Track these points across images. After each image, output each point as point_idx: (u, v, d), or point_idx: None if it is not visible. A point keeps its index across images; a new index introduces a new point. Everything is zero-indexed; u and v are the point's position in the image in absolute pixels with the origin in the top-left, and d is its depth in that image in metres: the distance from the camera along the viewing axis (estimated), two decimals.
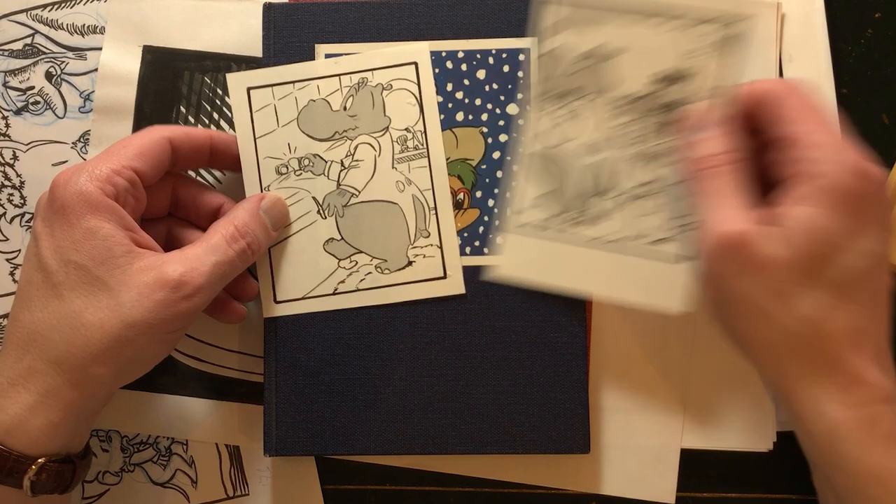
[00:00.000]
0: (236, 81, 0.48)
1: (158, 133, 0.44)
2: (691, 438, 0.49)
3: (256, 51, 0.50)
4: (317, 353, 0.48)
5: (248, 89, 0.48)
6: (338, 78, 0.48)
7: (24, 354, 0.40)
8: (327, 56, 0.49)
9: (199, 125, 0.51)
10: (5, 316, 0.52)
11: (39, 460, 0.39)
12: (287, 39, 0.49)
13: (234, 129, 0.51)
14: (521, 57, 0.48)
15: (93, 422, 0.44)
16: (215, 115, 0.51)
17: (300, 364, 0.48)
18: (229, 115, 0.51)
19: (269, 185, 0.48)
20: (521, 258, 0.45)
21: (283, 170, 0.48)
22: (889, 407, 0.37)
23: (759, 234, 0.38)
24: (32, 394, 0.39)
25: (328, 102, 0.48)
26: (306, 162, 0.48)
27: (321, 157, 0.48)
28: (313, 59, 0.49)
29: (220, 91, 0.51)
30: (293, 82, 0.48)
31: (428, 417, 0.48)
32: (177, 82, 0.52)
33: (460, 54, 0.48)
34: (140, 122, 0.51)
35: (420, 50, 0.48)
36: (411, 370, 0.48)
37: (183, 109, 0.51)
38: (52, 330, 0.40)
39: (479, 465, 0.50)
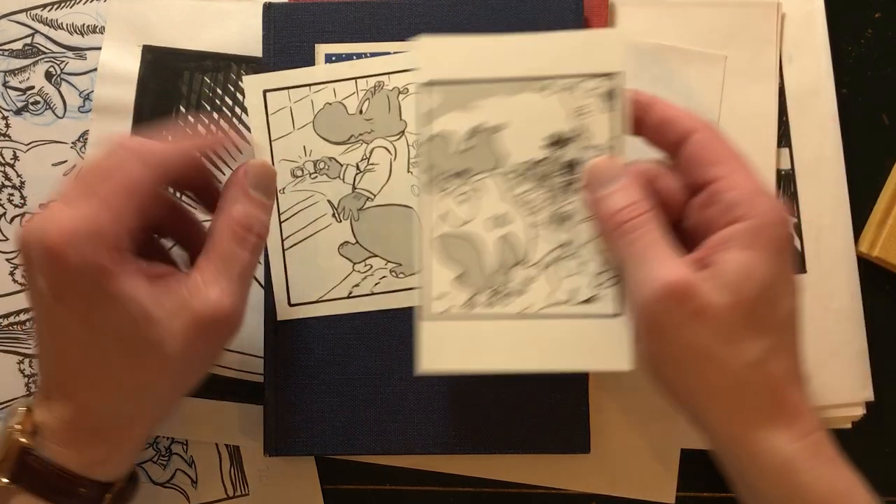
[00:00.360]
0: (252, 84, 0.48)
1: (152, 177, 0.39)
2: (691, 438, 0.49)
3: (256, 51, 0.50)
4: (317, 353, 0.48)
5: (265, 92, 0.48)
6: (354, 81, 0.48)
7: (83, 413, 0.39)
8: (328, 56, 0.49)
9: (199, 125, 0.51)
10: (6, 316, 0.52)
11: (115, 486, 0.40)
12: (287, 39, 0.49)
13: (234, 129, 0.51)
14: None
15: None
16: (215, 115, 0.51)
17: (300, 364, 0.48)
18: (229, 114, 0.51)
19: (284, 188, 0.48)
20: (448, 346, 0.42)
21: (299, 172, 0.48)
22: (824, 432, 0.39)
23: (701, 280, 0.37)
24: (104, 441, 0.39)
25: (344, 106, 0.48)
26: (322, 165, 0.48)
27: (336, 161, 0.48)
28: (314, 58, 0.49)
29: (219, 91, 0.51)
30: (309, 85, 0.48)
31: (428, 417, 0.48)
32: (177, 82, 0.52)
33: None
34: (139, 121, 0.51)
35: None
36: (411, 370, 0.48)
37: (183, 109, 0.51)
38: (107, 400, 0.39)
39: (479, 465, 0.50)
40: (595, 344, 0.41)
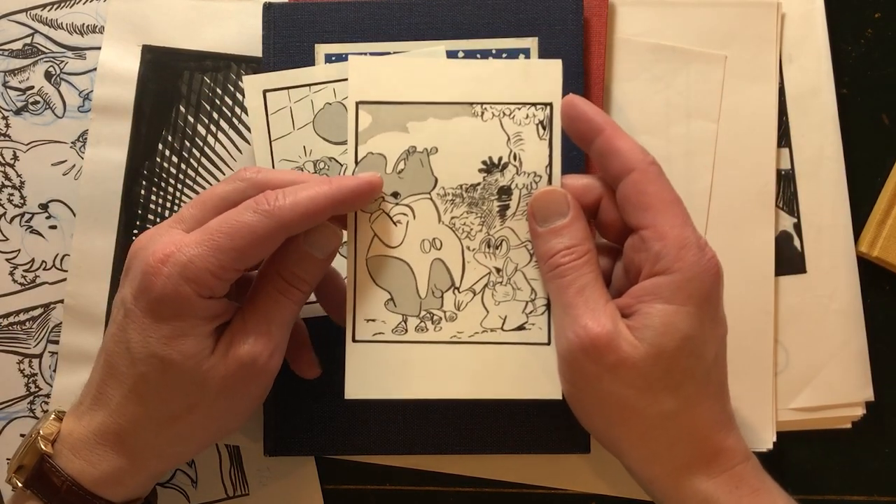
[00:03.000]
0: (252, 84, 0.48)
1: (270, 233, 0.38)
2: None
3: (256, 51, 0.50)
4: (316, 353, 0.48)
5: (265, 92, 0.48)
6: None
7: (109, 426, 0.40)
8: (328, 56, 0.49)
9: (199, 125, 0.51)
10: (6, 316, 0.51)
11: None
12: (287, 39, 0.49)
13: (233, 129, 0.51)
14: (522, 57, 0.48)
15: None
16: (215, 115, 0.51)
17: None
18: (229, 114, 0.51)
19: None
20: (377, 372, 0.42)
21: None
22: (749, 463, 0.40)
23: (622, 333, 0.37)
24: (120, 459, 0.40)
25: (344, 106, 0.48)
26: (322, 165, 0.48)
27: (336, 161, 0.48)
28: (314, 58, 0.49)
29: (219, 91, 0.51)
30: (309, 85, 0.48)
31: (428, 417, 0.48)
32: (176, 82, 0.51)
33: (460, 54, 0.48)
34: (139, 121, 0.51)
35: (437, 53, 0.48)
36: None
37: (182, 109, 0.51)
38: (137, 420, 0.39)
39: (479, 465, 0.50)
40: (526, 372, 0.41)
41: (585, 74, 0.49)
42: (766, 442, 0.48)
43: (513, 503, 0.50)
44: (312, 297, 0.48)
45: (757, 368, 0.49)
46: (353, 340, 0.42)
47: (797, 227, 0.50)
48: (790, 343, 0.49)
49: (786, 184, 0.50)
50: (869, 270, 0.50)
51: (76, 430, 0.40)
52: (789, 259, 0.50)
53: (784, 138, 0.50)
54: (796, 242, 0.50)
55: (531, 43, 0.48)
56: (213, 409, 0.40)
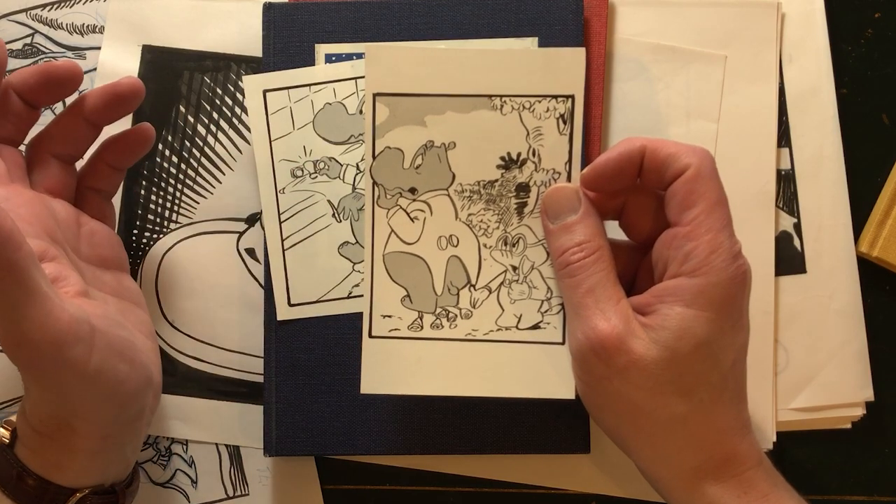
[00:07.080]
0: (252, 84, 0.48)
1: None
2: None
3: (256, 51, 0.50)
4: (317, 353, 0.48)
5: (265, 92, 0.48)
6: (354, 81, 0.48)
7: (29, 415, 0.39)
8: (328, 56, 0.49)
9: (199, 125, 0.51)
10: None
11: (78, 494, 0.40)
12: (287, 39, 0.49)
13: (233, 129, 0.51)
14: None
15: (137, 447, 0.44)
16: (215, 115, 0.51)
17: (300, 364, 0.48)
18: (229, 114, 0.51)
19: (284, 188, 0.48)
20: (392, 368, 0.42)
21: (299, 172, 0.48)
22: (760, 468, 0.39)
23: (635, 333, 0.37)
24: (52, 443, 0.39)
25: (344, 106, 0.48)
26: (322, 165, 0.48)
27: (336, 161, 0.48)
28: (314, 58, 0.49)
29: (219, 91, 0.51)
30: (309, 85, 0.48)
31: (428, 417, 0.48)
32: (176, 82, 0.51)
33: None
34: (139, 121, 0.51)
35: None
36: None
37: (182, 109, 0.51)
38: (36, 396, 0.39)
39: (479, 465, 0.50)
40: (539, 371, 0.41)
41: (586, 74, 0.49)
42: (766, 442, 0.48)
43: (513, 503, 0.50)
44: (313, 298, 0.48)
45: (757, 368, 0.49)
46: (370, 336, 0.42)
47: (797, 227, 0.50)
48: (790, 343, 0.49)
49: (786, 184, 0.50)
50: (869, 270, 0.50)
51: (19, 422, 0.40)
52: (789, 259, 0.50)
53: (784, 138, 0.50)
54: (796, 242, 0.50)
55: (531, 43, 0.48)
56: (60, 364, 0.36)
